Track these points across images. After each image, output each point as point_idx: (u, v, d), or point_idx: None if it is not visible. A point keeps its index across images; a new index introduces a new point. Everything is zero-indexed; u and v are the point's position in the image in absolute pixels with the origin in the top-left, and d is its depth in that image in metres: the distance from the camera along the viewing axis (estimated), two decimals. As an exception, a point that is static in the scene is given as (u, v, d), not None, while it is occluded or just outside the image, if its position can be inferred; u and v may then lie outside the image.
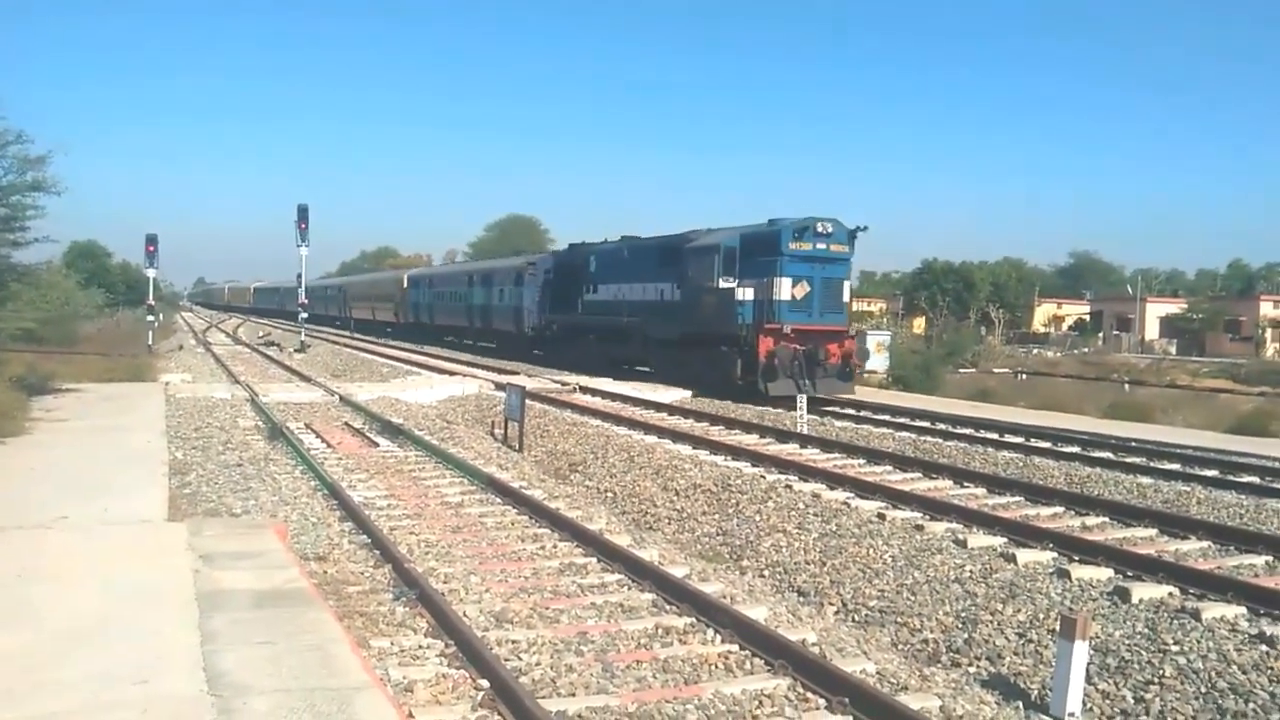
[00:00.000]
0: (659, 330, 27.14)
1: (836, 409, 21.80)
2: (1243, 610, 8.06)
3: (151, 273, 43.27)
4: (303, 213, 43.63)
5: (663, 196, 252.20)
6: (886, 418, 20.84)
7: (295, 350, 42.34)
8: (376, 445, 16.52)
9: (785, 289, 22.74)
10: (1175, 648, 7.40)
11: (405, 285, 56.67)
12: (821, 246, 23.13)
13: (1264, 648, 7.37)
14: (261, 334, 59.10)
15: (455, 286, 47.82)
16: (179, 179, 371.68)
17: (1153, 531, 10.89)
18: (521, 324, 37.66)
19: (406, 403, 22.86)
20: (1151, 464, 14.94)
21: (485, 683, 6.33)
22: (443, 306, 49.60)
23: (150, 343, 39.46)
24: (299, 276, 49.13)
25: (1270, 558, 9.84)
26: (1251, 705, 6.59)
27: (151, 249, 41.53)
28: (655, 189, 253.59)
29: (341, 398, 22.91)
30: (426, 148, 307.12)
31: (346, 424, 19.10)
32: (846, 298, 24.57)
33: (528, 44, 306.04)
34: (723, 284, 23.61)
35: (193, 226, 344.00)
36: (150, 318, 41.94)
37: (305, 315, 48.39)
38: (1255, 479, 14.03)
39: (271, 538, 9.12)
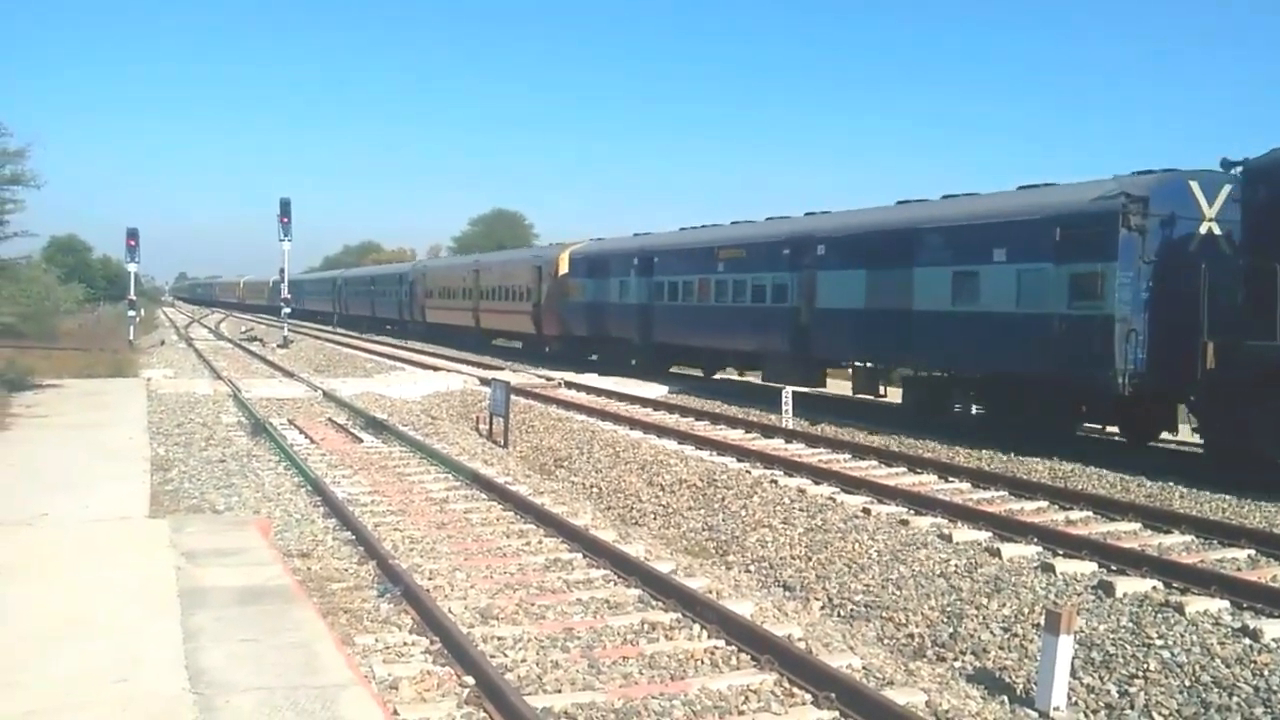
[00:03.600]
0: None
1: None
2: (1226, 604, 8.10)
3: (133, 267, 43.02)
4: (285, 206, 43.39)
5: (655, 193, 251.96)
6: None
7: (278, 346, 42.15)
8: (360, 441, 16.44)
9: None
10: (1159, 641, 7.42)
11: (564, 271, 33.42)
12: None
13: (1247, 641, 7.40)
14: (244, 329, 58.84)
15: (739, 270, 23.78)
16: (160, 173, 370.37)
17: (1136, 525, 10.94)
18: (1097, 370, 14.86)
19: (391, 398, 22.78)
20: (1134, 458, 14.98)
21: (471, 679, 6.29)
22: (685, 316, 26.29)
23: (131, 338, 39.26)
24: (281, 271, 48.86)
25: (1253, 551, 9.90)
26: (1235, 699, 6.61)
27: (132, 243, 41.31)
28: (649, 186, 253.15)
29: (325, 393, 22.82)
30: (408, 143, 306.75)
31: (330, 420, 19.01)
32: None
33: (514, 38, 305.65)
34: None
35: (174, 220, 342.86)
36: (131, 313, 41.70)
37: (288, 310, 48.14)
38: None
39: (254, 534, 9.08)
